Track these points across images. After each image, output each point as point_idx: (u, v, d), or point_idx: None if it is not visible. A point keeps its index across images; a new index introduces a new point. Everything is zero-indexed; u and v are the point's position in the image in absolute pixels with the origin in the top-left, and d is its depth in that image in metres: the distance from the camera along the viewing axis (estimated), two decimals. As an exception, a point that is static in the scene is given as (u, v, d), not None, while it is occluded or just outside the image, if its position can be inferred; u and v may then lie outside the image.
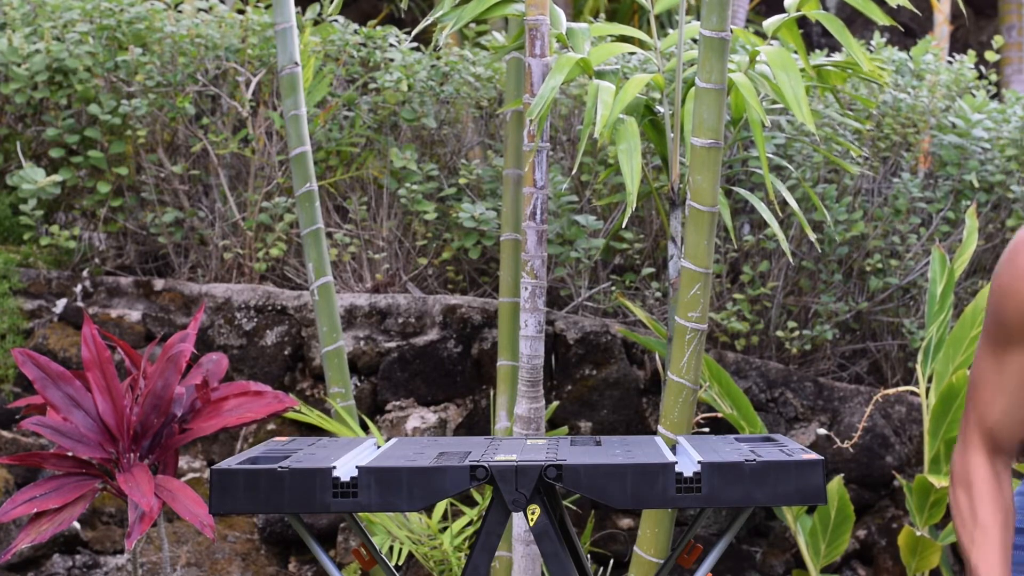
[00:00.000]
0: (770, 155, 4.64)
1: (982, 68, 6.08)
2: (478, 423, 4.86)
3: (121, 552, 4.77)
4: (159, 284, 5.04)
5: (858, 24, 9.28)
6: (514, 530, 4.01)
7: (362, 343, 4.90)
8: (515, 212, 4.23)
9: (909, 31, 9.55)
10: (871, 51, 5.41)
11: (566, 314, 4.97)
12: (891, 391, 4.74)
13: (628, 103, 3.81)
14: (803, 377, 4.98)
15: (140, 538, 3.44)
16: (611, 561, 4.80)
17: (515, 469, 2.26)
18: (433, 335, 4.92)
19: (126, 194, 5.23)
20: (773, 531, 4.94)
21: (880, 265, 5.10)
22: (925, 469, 4.52)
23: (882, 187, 5.27)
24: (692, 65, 4.06)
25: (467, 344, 4.89)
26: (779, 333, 5.03)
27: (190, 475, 4.83)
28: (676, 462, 2.25)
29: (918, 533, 4.41)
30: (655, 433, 4.48)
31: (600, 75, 4.00)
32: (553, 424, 4.76)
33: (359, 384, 4.88)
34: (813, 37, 8.69)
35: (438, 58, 5.40)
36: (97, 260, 5.16)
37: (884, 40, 5.49)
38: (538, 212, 4.00)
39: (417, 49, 5.48)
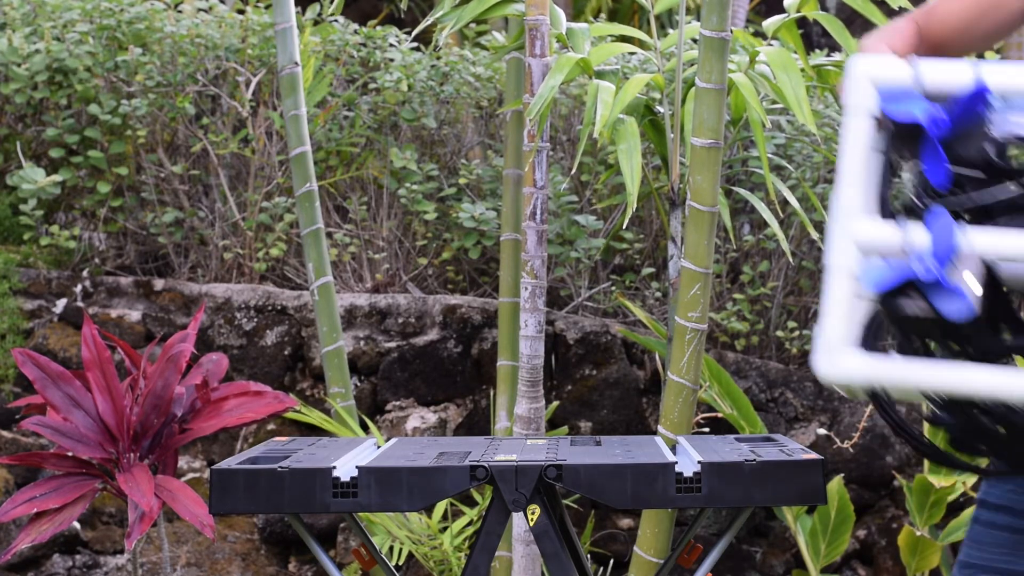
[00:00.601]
0: (770, 155, 4.64)
1: (982, 68, 6.07)
2: (478, 423, 4.86)
3: (121, 552, 4.77)
4: (159, 284, 5.04)
5: (858, 24, 9.28)
6: (514, 530, 4.01)
7: (362, 343, 4.90)
8: (515, 212, 4.23)
9: (909, 31, 9.54)
10: (871, 51, 5.40)
11: (566, 314, 4.97)
12: (891, 391, 4.73)
13: (628, 103, 3.81)
14: (803, 377, 4.98)
15: (140, 538, 3.45)
16: (611, 561, 4.80)
17: (515, 469, 2.26)
18: (433, 335, 4.92)
19: (126, 194, 5.23)
20: (773, 531, 4.94)
21: (880, 265, 5.09)
22: (925, 469, 4.52)
23: (882, 187, 5.26)
24: (692, 65, 4.05)
25: (467, 344, 4.89)
26: (779, 333, 5.02)
27: (190, 475, 4.83)
28: (676, 462, 2.25)
29: (918, 533, 4.41)
30: (655, 433, 4.48)
31: (600, 75, 4.00)
32: (553, 424, 4.75)
33: (359, 384, 4.88)
34: (813, 37, 8.69)
35: (438, 58, 5.40)
36: (97, 260, 5.16)
37: (884, 40, 5.48)
38: (538, 212, 4.00)
39: (417, 49, 5.48)
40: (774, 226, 3.96)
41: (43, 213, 5.12)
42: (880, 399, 2.12)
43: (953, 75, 2.04)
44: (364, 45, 5.40)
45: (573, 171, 4.25)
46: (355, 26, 5.47)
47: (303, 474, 2.28)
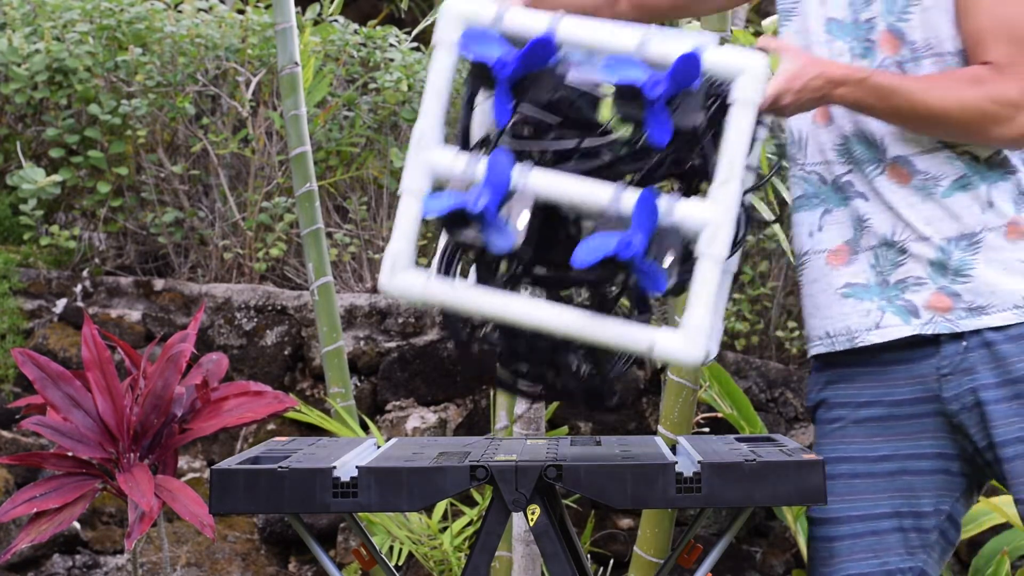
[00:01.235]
0: (770, 155, 4.64)
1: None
2: (478, 423, 4.86)
3: (121, 552, 4.77)
4: (159, 284, 5.04)
5: (858, 24, 9.28)
6: (514, 530, 4.01)
7: (362, 343, 4.90)
8: (515, 212, 4.22)
9: (909, 31, 9.55)
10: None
11: (566, 314, 4.97)
12: (891, 391, 4.73)
13: (628, 103, 3.80)
14: (803, 377, 4.99)
15: (140, 538, 3.44)
16: (611, 561, 4.80)
17: (515, 469, 2.26)
18: (433, 335, 4.92)
19: (126, 194, 5.23)
20: (773, 531, 4.94)
21: (880, 265, 5.09)
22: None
23: (882, 187, 5.27)
24: (692, 65, 4.05)
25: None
26: (779, 333, 5.02)
27: (190, 475, 4.83)
28: (676, 462, 2.25)
29: (918, 533, 4.41)
30: (655, 433, 4.48)
31: (600, 75, 4.00)
32: (553, 424, 4.75)
33: (359, 384, 4.88)
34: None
35: (438, 58, 5.39)
36: (97, 260, 5.16)
37: (884, 40, 5.49)
38: (538, 212, 3.99)
39: (417, 49, 5.48)
40: (774, 226, 3.96)
41: (43, 213, 5.12)
42: (449, 317, 2.26)
43: (531, 22, 2.17)
44: (364, 45, 5.40)
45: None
46: (355, 26, 5.47)
47: (303, 474, 2.28)
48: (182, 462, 4.84)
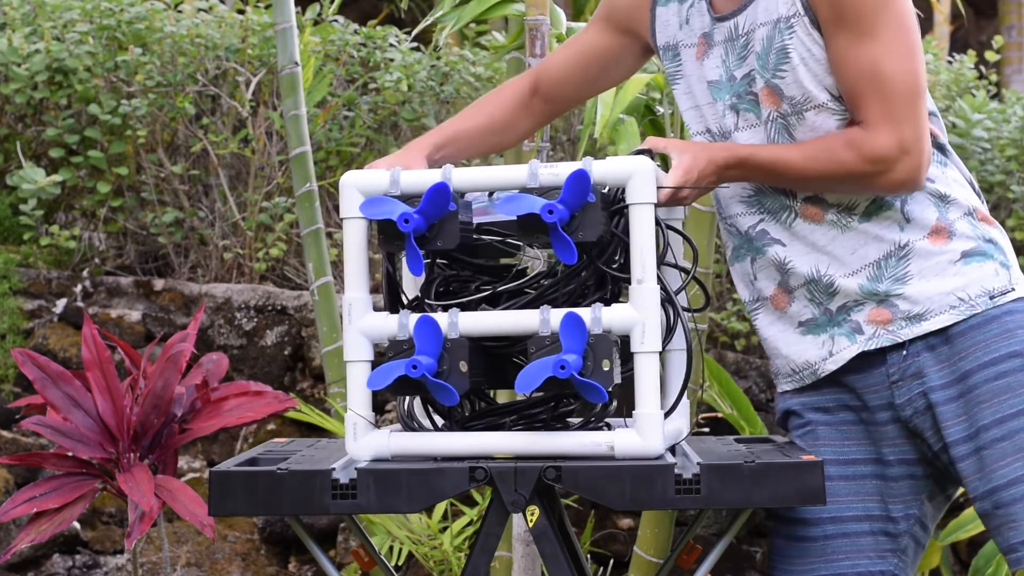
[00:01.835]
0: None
1: (982, 68, 6.08)
2: (478, 423, 4.86)
3: (121, 552, 4.77)
4: (159, 284, 5.04)
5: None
6: (514, 530, 4.01)
7: (362, 343, 4.90)
8: (515, 212, 4.22)
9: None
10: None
11: (566, 314, 4.97)
12: (891, 391, 4.73)
13: (628, 103, 3.81)
14: (803, 377, 4.98)
15: (140, 538, 3.44)
16: (611, 561, 4.80)
17: (514, 470, 2.26)
18: (433, 335, 4.91)
19: (126, 194, 5.23)
20: (773, 531, 4.94)
21: (880, 265, 5.09)
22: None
23: (882, 187, 5.26)
24: (692, 65, 4.05)
25: (467, 344, 4.89)
26: (779, 333, 5.02)
27: (190, 475, 4.83)
28: (675, 463, 2.25)
29: (918, 533, 4.41)
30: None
31: (600, 75, 4.00)
32: (553, 424, 4.75)
33: (359, 384, 4.87)
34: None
35: (438, 58, 5.40)
36: (97, 260, 5.16)
37: (884, 40, 5.48)
38: (538, 212, 3.99)
39: (417, 49, 5.48)
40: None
41: (43, 213, 5.12)
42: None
43: (424, 177, 2.30)
44: (364, 45, 5.40)
45: (573, 171, 4.24)
46: (355, 26, 5.47)
47: (302, 476, 2.28)
48: (182, 462, 4.84)
